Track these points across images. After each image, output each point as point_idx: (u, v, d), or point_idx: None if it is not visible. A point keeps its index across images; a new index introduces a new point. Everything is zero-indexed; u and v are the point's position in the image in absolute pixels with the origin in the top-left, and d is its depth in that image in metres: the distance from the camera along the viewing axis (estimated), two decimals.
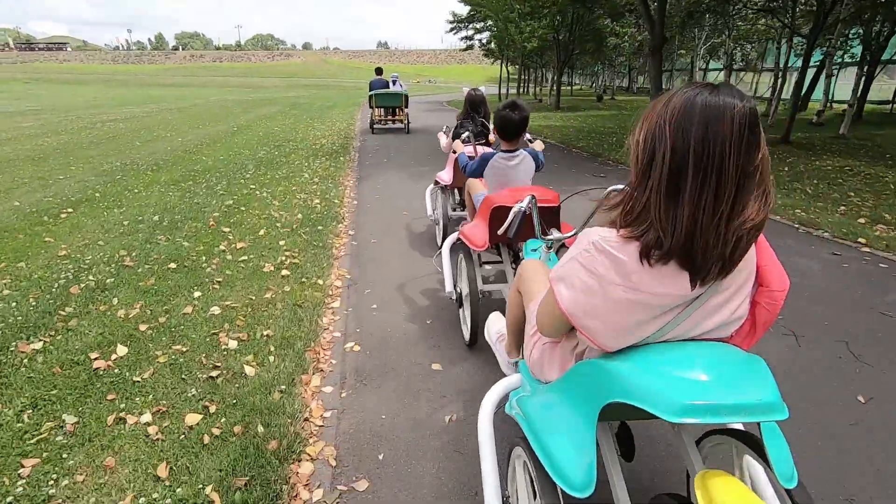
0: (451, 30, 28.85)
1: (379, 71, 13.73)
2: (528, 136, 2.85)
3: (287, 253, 3.87)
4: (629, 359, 0.98)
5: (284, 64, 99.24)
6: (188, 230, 4.46)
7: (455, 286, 2.74)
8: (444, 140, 4.04)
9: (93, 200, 5.51)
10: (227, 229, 4.46)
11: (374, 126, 13.11)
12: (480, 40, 28.93)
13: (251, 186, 6.19)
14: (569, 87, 41.53)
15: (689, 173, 0.85)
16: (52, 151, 8.90)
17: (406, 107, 13.21)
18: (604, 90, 37.39)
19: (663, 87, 36.88)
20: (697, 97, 0.86)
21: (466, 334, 2.60)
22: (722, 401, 0.86)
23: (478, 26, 26.91)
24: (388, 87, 13.14)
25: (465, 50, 32.03)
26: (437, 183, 4.22)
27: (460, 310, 2.83)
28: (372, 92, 12.92)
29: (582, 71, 50.43)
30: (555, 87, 28.09)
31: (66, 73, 74.01)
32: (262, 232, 4.38)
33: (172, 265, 3.61)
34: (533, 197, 1.85)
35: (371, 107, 13.06)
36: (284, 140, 10.77)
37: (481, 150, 3.15)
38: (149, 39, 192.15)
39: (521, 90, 26.72)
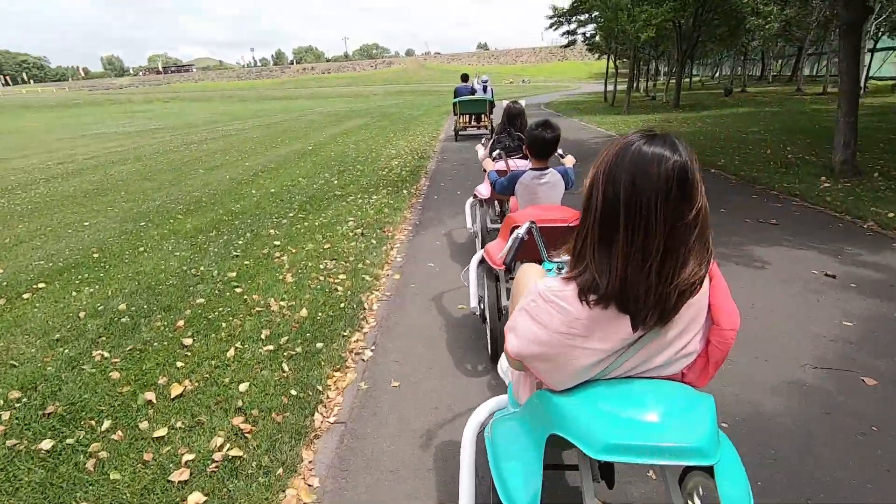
0: (551, 25, 26.29)
1: (465, 77, 12.89)
2: (559, 150, 2.90)
3: (237, 420, 2.24)
4: (572, 393, 1.01)
5: (385, 71, 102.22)
6: (142, 337, 3.05)
7: (480, 303, 2.58)
8: (481, 152, 3.95)
9: (82, 267, 4.42)
10: (189, 340, 2.98)
11: (459, 133, 12.50)
12: (584, 34, 26.00)
13: (275, 244, 4.77)
14: (687, 80, 36.60)
15: (620, 223, 0.88)
16: (113, 184, 8.41)
17: (491, 113, 12.25)
18: (731, 81, 32.30)
19: (809, 72, 30.76)
20: (632, 147, 0.89)
21: (489, 348, 2.63)
22: (645, 442, 0.88)
23: (581, 18, 24.08)
24: (473, 93, 12.41)
25: (567, 46, 29.16)
26: (476, 196, 4.20)
27: (485, 325, 2.81)
28: (456, 99, 12.28)
29: (702, 60, 44.56)
30: (672, 82, 24.43)
31: (199, 91, 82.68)
32: (231, 352, 2.82)
33: (46, 444, 2.15)
34: (532, 223, 1.86)
35: (455, 113, 12.50)
36: (353, 162, 9.49)
37: (514, 164, 3.27)
38: (271, 56, 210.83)
39: (633, 85, 23.29)
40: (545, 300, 0.99)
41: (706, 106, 19.52)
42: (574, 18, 24.35)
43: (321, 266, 4.10)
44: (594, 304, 0.93)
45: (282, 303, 3.44)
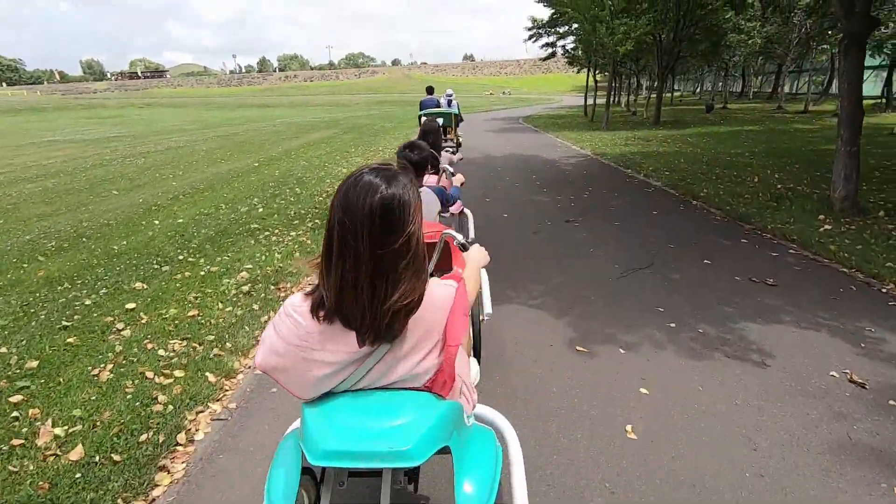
0: (531, 37, 25.57)
1: (430, 90, 12.28)
2: (450, 168, 3.28)
3: None
4: (314, 406, 1.08)
5: (368, 80, 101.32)
6: None
7: None
8: None
9: None
10: None
11: None
12: (564, 46, 25.32)
13: (129, 307, 3.62)
14: (668, 95, 36.17)
15: (334, 247, 0.98)
16: (1, 209, 7.17)
17: (457, 126, 11.40)
18: (712, 97, 31.99)
19: (788, 89, 30.52)
20: (352, 178, 1.00)
21: None
22: (355, 448, 0.97)
23: (561, 31, 23.39)
24: (438, 106, 11.47)
25: (547, 59, 28.50)
26: None
27: None
28: (421, 112, 11.37)
29: (683, 75, 44.46)
30: (653, 96, 23.83)
31: (177, 97, 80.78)
32: None
33: None
34: None
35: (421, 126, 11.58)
36: (294, 184, 8.38)
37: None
38: (258, 62, 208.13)
39: (613, 100, 22.49)
40: (286, 314, 1.06)
41: (687, 123, 18.84)
42: (553, 30, 23.68)
43: (162, 352, 2.96)
44: (323, 320, 1.02)
45: (60, 429, 2.29)
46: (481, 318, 2.30)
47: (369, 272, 0.96)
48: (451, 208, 3.63)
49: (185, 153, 13.29)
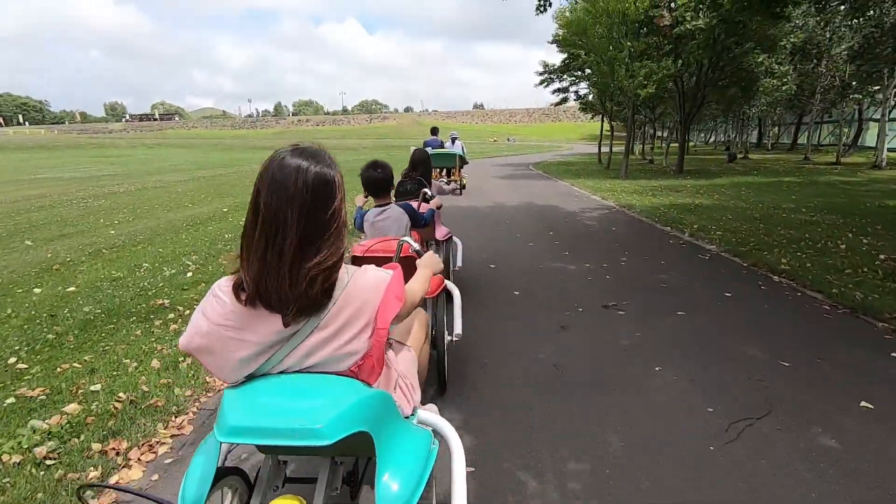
0: (542, 82, 24.70)
1: (434, 131, 11.67)
2: (429, 192, 3.41)
3: None
4: (234, 388, 1.07)
5: (379, 126, 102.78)
6: None
7: None
8: None
9: None
10: None
11: None
12: (577, 92, 24.36)
13: None
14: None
15: (258, 226, 0.99)
16: None
17: (461, 168, 11.10)
18: (727, 147, 30.83)
19: (813, 141, 29.02)
20: (276, 161, 1.01)
21: None
22: (263, 424, 0.94)
23: (576, 74, 22.42)
24: (442, 147, 11.07)
25: (559, 104, 27.56)
26: None
27: None
28: None
29: (697, 125, 43.62)
30: (669, 146, 22.61)
31: (190, 138, 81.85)
32: None
33: None
34: None
35: None
36: None
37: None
38: (273, 107, 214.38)
39: (630, 148, 20.95)
40: (213, 294, 1.06)
41: (713, 172, 17.34)
42: (566, 75, 22.77)
43: None
44: (246, 302, 1.01)
45: None
46: (449, 338, 2.32)
47: (293, 248, 0.98)
48: (436, 235, 3.61)
49: (155, 195, 11.88)
